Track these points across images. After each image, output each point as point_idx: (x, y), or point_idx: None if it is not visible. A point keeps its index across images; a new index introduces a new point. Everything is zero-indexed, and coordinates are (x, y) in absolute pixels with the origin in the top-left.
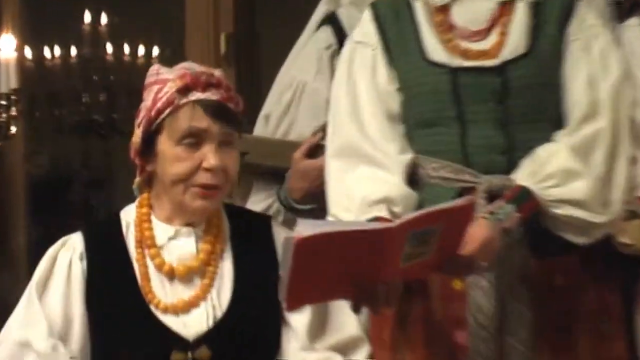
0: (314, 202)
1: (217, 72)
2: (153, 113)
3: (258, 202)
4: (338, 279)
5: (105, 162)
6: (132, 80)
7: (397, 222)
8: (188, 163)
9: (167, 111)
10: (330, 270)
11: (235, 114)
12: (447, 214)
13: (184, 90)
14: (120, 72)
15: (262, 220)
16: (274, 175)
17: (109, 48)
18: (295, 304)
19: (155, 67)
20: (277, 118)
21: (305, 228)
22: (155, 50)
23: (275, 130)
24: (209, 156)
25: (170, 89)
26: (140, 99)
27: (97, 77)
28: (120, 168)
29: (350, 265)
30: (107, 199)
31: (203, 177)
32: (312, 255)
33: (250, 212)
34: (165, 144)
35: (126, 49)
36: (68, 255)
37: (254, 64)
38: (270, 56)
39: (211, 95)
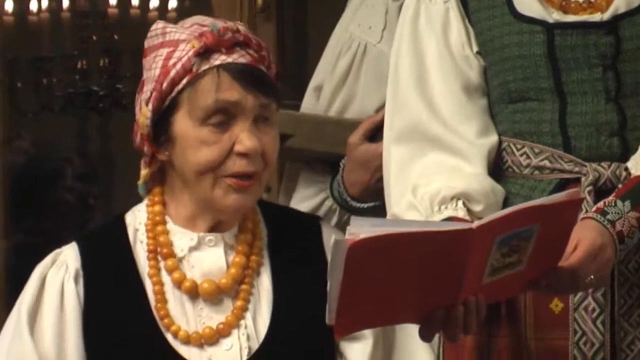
0: (377, 198)
1: (242, 27)
2: (165, 86)
3: (306, 198)
4: (402, 295)
5: (106, 146)
6: (141, 42)
7: (480, 222)
8: (217, 148)
9: (184, 82)
10: (393, 283)
11: (270, 78)
12: (545, 213)
13: (204, 53)
14: (125, 30)
15: (310, 223)
16: (327, 165)
17: None
18: (347, 328)
19: (159, 25)
20: (331, 90)
21: (361, 228)
22: (172, 2)
23: (329, 106)
24: (243, 137)
25: (184, 52)
26: None
27: (95, 37)
28: (124, 154)
29: (418, 277)
30: (108, 195)
31: (237, 165)
32: (369, 264)
33: (293, 212)
34: (184, 125)
35: (134, 0)
36: (60, 275)
37: (301, 19)
38: (322, 9)
39: (239, 57)
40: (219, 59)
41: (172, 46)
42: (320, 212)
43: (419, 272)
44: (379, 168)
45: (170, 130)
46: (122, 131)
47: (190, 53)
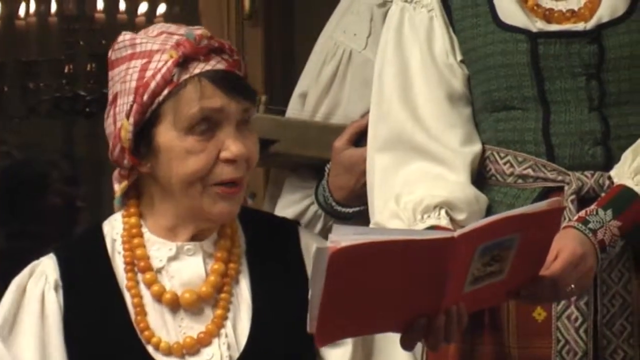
0: (362, 203)
1: (201, 31)
2: (146, 98)
3: (291, 204)
4: (384, 304)
5: (93, 150)
6: None
7: (462, 230)
8: (203, 156)
9: (165, 93)
10: (374, 292)
11: (247, 82)
12: (527, 222)
13: (183, 63)
14: (113, 35)
15: (288, 228)
16: (313, 170)
17: (100, 3)
18: (328, 337)
19: (126, 37)
20: (316, 97)
21: (343, 236)
22: (161, 8)
23: (314, 113)
24: (229, 143)
25: (162, 63)
26: None
27: (83, 42)
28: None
29: (400, 286)
30: (95, 199)
31: (224, 172)
32: (351, 272)
33: (271, 217)
34: (168, 136)
35: (122, 5)
36: (39, 285)
37: (288, 25)
38: (308, 15)
39: (217, 64)
40: (198, 67)
41: (145, 57)
42: (306, 218)
43: (401, 281)
44: (364, 172)
45: (153, 142)
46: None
47: (170, 64)
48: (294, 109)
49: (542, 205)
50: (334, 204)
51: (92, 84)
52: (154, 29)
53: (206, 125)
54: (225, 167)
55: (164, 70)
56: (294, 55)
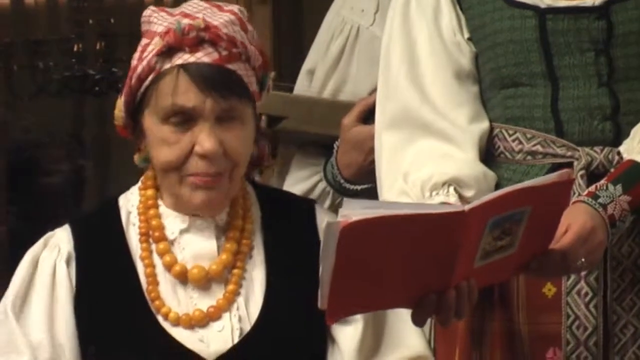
0: (371, 180)
1: (227, 16)
2: (134, 81)
3: (299, 181)
4: (395, 279)
5: (102, 129)
6: (137, 25)
7: (473, 204)
8: (177, 148)
9: (149, 79)
10: (385, 267)
11: (240, 77)
12: (536, 194)
13: (168, 52)
14: (122, 14)
15: (304, 206)
16: (321, 147)
17: None
18: (339, 313)
19: (147, 12)
20: (324, 73)
21: (354, 210)
22: None
23: (322, 89)
24: (201, 138)
25: (153, 47)
26: None
27: (92, 21)
28: (120, 137)
29: (410, 261)
30: (104, 177)
31: (198, 165)
32: (361, 247)
33: (288, 195)
34: (150, 122)
35: None
36: (52, 257)
37: (297, 3)
38: None
39: (203, 56)
40: (181, 58)
41: (149, 37)
42: (314, 195)
43: (411, 256)
44: (373, 150)
45: (141, 125)
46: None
47: (154, 52)
48: (302, 86)
49: (552, 177)
50: (342, 181)
51: (101, 63)
52: (182, 7)
53: (181, 117)
54: (199, 161)
55: (149, 56)
56: (302, 32)
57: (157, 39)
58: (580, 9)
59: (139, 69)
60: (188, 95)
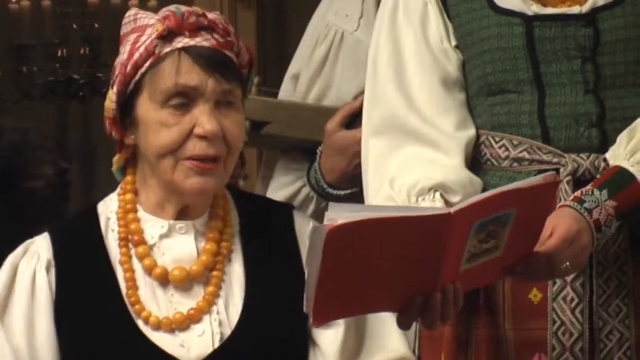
0: (354, 185)
1: (214, 14)
2: (129, 68)
3: (283, 186)
4: (381, 282)
5: (87, 134)
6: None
7: (459, 206)
8: (176, 129)
9: (146, 64)
10: (371, 270)
11: (236, 64)
12: (522, 197)
13: (167, 36)
14: (106, 18)
15: (282, 212)
16: (305, 152)
17: None
18: (325, 317)
19: (131, 12)
20: (308, 78)
21: (339, 214)
22: None
23: (306, 94)
24: (202, 119)
25: (149, 36)
26: None
27: (76, 25)
28: (105, 142)
29: (396, 264)
30: (88, 182)
31: (197, 147)
32: (348, 250)
33: (265, 200)
34: (146, 108)
35: None
36: (31, 265)
37: (280, 8)
38: None
39: (202, 41)
40: (181, 42)
41: (140, 31)
42: (298, 200)
43: (398, 259)
44: (356, 154)
45: (133, 114)
46: (102, 119)
47: (154, 35)
48: (286, 91)
49: (537, 179)
50: (325, 186)
51: (85, 68)
52: (164, 9)
53: (181, 99)
54: (197, 142)
55: (147, 42)
56: (286, 37)
57: (153, 27)
58: (568, 16)
59: (135, 55)
60: (191, 75)
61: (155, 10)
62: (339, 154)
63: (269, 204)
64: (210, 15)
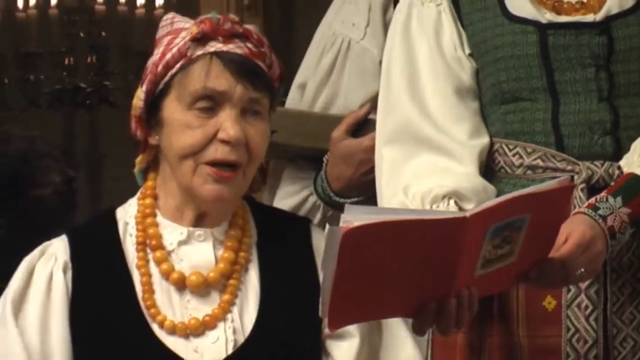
0: (360, 193)
1: (249, 25)
2: (160, 68)
3: (289, 195)
4: (396, 286)
5: (94, 142)
6: (129, 38)
7: (474, 210)
8: (200, 132)
9: (177, 66)
10: (386, 274)
11: (266, 74)
12: (537, 201)
13: (201, 40)
14: (113, 27)
15: (299, 224)
16: (311, 160)
17: None
18: (340, 321)
19: (169, 16)
20: (315, 87)
21: (355, 216)
22: None
23: (313, 103)
24: (227, 125)
25: (183, 38)
26: (139, 61)
27: (83, 34)
28: (112, 150)
29: (411, 268)
30: (95, 190)
31: (219, 151)
32: (363, 253)
33: (283, 213)
34: (172, 109)
35: None
36: (48, 266)
37: (286, 16)
38: (307, 5)
39: (235, 48)
40: (214, 47)
41: (175, 34)
42: (304, 209)
43: (413, 262)
44: (362, 162)
45: (160, 114)
46: (109, 127)
47: (187, 38)
48: (293, 100)
49: (552, 183)
50: (332, 194)
51: (92, 76)
52: (201, 16)
53: (209, 103)
54: (220, 147)
55: (180, 44)
56: (293, 45)
57: (188, 30)
58: (582, 24)
59: (168, 56)
60: (220, 80)
61: (161, 17)
62: (345, 162)
63: (287, 216)
64: (246, 25)
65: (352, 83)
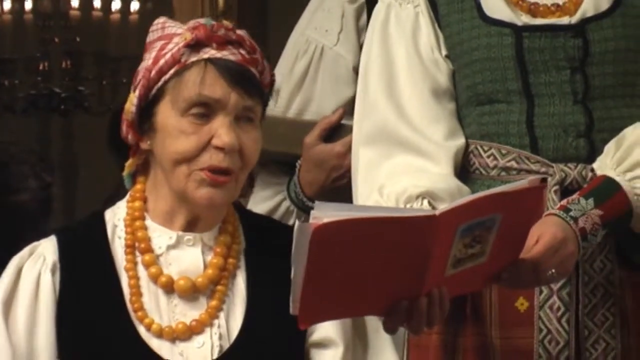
0: (333, 198)
1: (241, 31)
2: (153, 74)
3: (263, 200)
4: (366, 284)
5: (68, 147)
6: (103, 43)
7: (444, 208)
8: (194, 138)
9: (171, 72)
10: (357, 272)
11: (259, 81)
12: (507, 200)
13: (195, 46)
14: (87, 32)
15: (287, 233)
16: (285, 165)
17: (74, 1)
18: (311, 319)
19: (160, 20)
20: (288, 92)
21: (325, 212)
22: (134, 4)
23: (287, 109)
24: (221, 132)
25: (176, 44)
26: (114, 66)
27: (58, 39)
28: (86, 156)
29: (382, 266)
30: (70, 196)
31: (212, 158)
32: (333, 250)
33: (271, 220)
34: (166, 114)
35: (96, 2)
36: (37, 266)
37: (260, 23)
38: (281, 12)
39: (229, 54)
40: (208, 53)
41: (167, 39)
42: (278, 214)
43: (383, 260)
44: (334, 168)
45: (153, 119)
46: (84, 133)
47: (181, 44)
48: (267, 106)
49: (523, 183)
50: (305, 199)
51: (67, 81)
52: (192, 20)
53: (203, 110)
54: (214, 154)
55: (174, 49)
56: (267, 52)
57: (181, 36)
58: (557, 27)
59: (161, 62)
60: (215, 87)
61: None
62: (317, 168)
63: (274, 224)
64: (239, 31)
65: (325, 89)
